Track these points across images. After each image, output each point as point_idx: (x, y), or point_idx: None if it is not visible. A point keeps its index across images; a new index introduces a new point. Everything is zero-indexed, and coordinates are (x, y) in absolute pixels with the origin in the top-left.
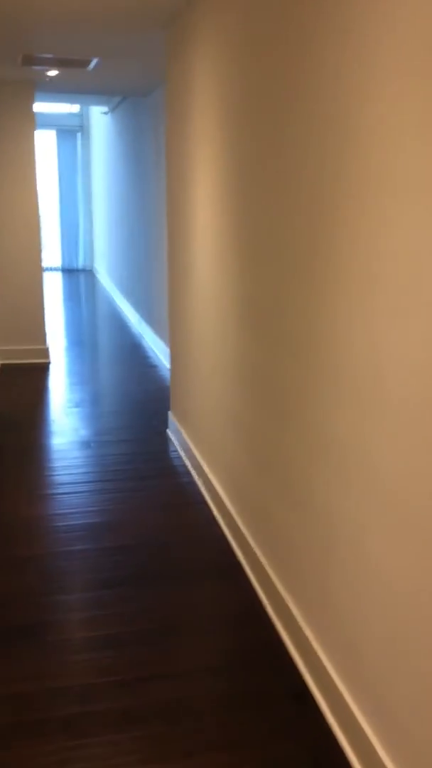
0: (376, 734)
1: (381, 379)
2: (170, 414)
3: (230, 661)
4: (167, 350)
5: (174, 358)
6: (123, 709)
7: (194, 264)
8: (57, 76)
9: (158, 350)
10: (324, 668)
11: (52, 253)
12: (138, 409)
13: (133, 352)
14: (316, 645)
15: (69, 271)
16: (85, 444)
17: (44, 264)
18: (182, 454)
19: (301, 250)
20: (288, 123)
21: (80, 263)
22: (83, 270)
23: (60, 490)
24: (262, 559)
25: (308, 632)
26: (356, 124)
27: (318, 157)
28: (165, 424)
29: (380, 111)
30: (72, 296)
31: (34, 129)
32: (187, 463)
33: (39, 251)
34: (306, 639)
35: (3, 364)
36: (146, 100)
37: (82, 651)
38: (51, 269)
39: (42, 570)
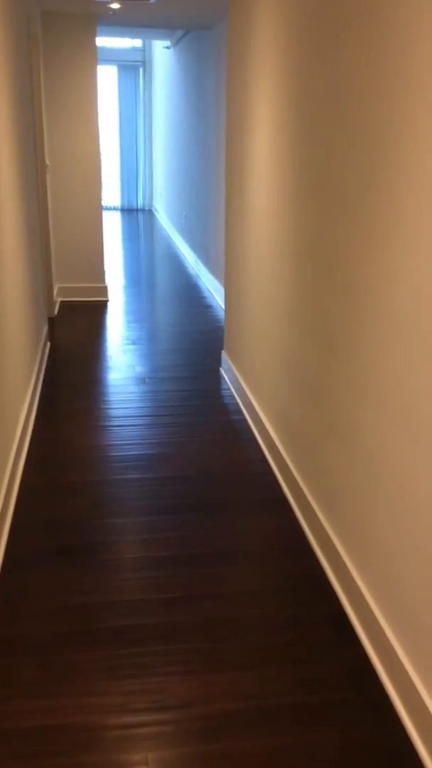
0: (410, 660)
1: (428, 325)
2: (223, 353)
3: (274, 587)
4: (223, 290)
5: (228, 297)
6: (171, 625)
7: (251, 204)
8: (120, 9)
9: (214, 290)
10: (363, 597)
11: (111, 193)
12: (193, 347)
13: (190, 291)
14: (356, 575)
15: (128, 211)
16: (141, 380)
17: (104, 203)
18: (234, 392)
19: (356, 192)
20: (349, 57)
21: (139, 203)
22: (142, 209)
23: (115, 423)
24: (308, 494)
25: (349, 563)
26: (415, 52)
27: (376, 91)
28: (218, 362)
29: None
30: (131, 236)
31: (95, 64)
32: (239, 401)
33: (99, 189)
34: (347, 570)
35: (63, 302)
36: (209, 34)
37: (133, 570)
38: (110, 209)
39: (96, 496)
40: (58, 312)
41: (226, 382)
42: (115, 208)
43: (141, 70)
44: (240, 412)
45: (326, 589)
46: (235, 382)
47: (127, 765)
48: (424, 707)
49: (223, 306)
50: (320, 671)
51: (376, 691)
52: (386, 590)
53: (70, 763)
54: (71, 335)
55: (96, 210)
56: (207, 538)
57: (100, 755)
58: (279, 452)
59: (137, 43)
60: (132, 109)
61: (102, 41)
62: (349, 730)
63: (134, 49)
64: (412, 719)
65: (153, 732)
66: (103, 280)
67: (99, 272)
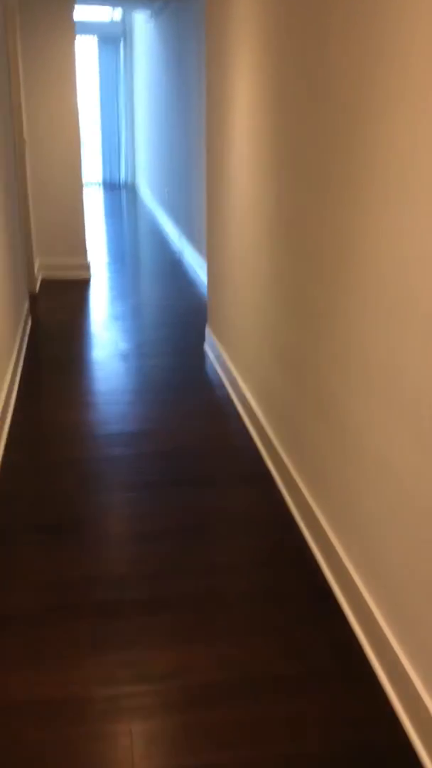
0: (393, 631)
1: (407, 296)
2: (207, 329)
3: (258, 561)
4: (206, 266)
5: (211, 273)
6: (154, 598)
7: (232, 178)
8: None
9: (198, 266)
10: (346, 570)
11: (93, 168)
12: (176, 323)
13: (174, 268)
14: (339, 548)
15: (110, 186)
16: (124, 356)
17: (85, 179)
18: (218, 367)
19: (338, 165)
20: (331, 28)
21: (122, 178)
22: (125, 185)
23: (98, 399)
24: (291, 468)
25: (332, 537)
26: (398, 26)
27: (358, 62)
28: (202, 338)
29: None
30: (113, 212)
31: (74, 38)
32: (223, 376)
33: (79, 165)
34: (329, 542)
35: (45, 279)
36: (191, 5)
37: (117, 545)
38: (92, 184)
39: (79, 472)
40: (40, 288)
41: (209, 357)
42: (97, 184)
43: (121, 43)
44: (224, 387)
45: (310, 562)
46: (219, 357)
47: (112, 736)
48: (407, 677)
49: (206, 281)
50: (303, 643)
51: (359, 663)
52: (369, 563)
53: (53, 736)
54: (53, 312)
55: (77, 185)
56: (191, 513)
57: (84, 727)
58: (262, 427)
59: (117, 15)
60: (113, 83)
61: (81, 13)
62: (332, 701)
63: (114, 23)
64: (395, 689)
65: (136, 703)
66: (85, 256)
67: (81, 248)
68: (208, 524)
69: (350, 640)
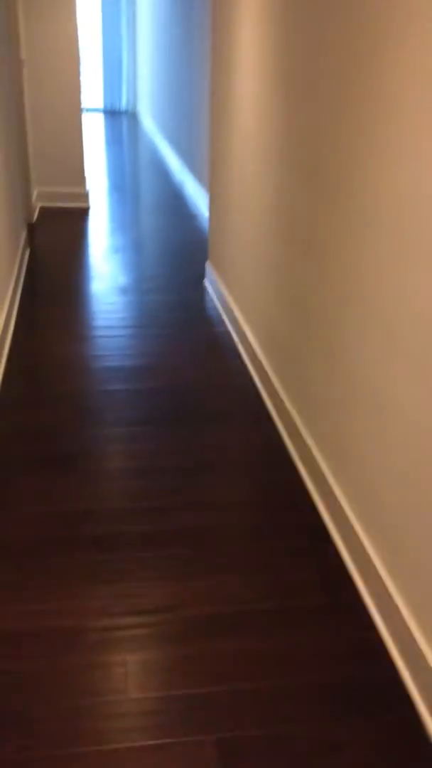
0: (385, 566)
1: (422, 222)
2: (208, 263)
3: (253, 497)
4: (208, 199)
5: (213, 205)
6: (150, 532)
7: (237, 104)
8: None
9: (199, 199)
10: (340, 506)
11: (94, 94)
12: (176, 257)
13: (175, 199)
14: (334, 485)
15: (111, 113)
16: (123, 290)
17: (85, 104)
18: (218, 303)
19: (347, 94)
20: None
21: (123, 105)
22: (126, 112)
23: (97, 333)
24: (289, 406)
25: (327, 474)
26: None
27: None
28: (202, 273)
29: None
30: (114, 140)
31: None
32: (222, 312)
33: (78, 90)
34: (325, 480)
35: (42, 208)
36: None
37: (114, 479)
38: (93, 110)
39: (78, 406)
40: (38, 218)
41: (209, 293)
42: (97, 110)
43: None
44: (223, 323)
45: (304, 498)
46: (219, 293)
47: (106, 666)
48: (397, 611)
49: (207, 215)
50: (297, 578)
51: (350, 597)
52: (363, 500)
53: (49, 664)
54: (52, 242)
55: (75, 110)
56: (187, 449)
57: (80, 657)
58: (261, 364)
59: None
60: (115, 6)
61: None
62: (324, 634)
63: None
64: (386, 623)
65: (132, 635)
66: (83, 185)
67: (79, 177)
68: (204, 461)
69: (343, 575)
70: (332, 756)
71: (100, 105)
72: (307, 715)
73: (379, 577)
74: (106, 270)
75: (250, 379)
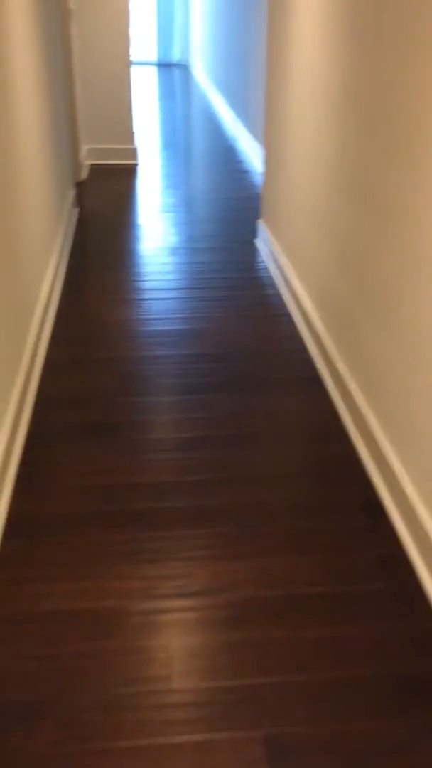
0: None
1: None
2: (260, 222)
3: (305, 471)
4: (262, 153)
5: (268, 161)
6: (196, 508)
7: (295, 54)
8: None
9: (253, 154)
10: (400, 484)
11: (146, 46)
12: (227, 216)
13: (227, 155)
14: (393, 460)
15: (164, 66)
16: (172, 251)
17: (135, 58)
18: (270, 264)
19: (417, 29)
20: None
21: (176, 57)
22: (179, 64)
23: (144, 296)
24: (345, 375)
25: (387, 448)
26: None
27: None
28: (254, 232)
29: None
30: (165, 94)
31: None
32: (275, 274)
33: (127, 43)
34: (383, 454)
35: (92, 165)
36: None
37: (159, 451)
38: (144, 63)
39: (123, 372)
40: (87, 176)
41: (261, 254)
42: (150, 63)
43: None
44: (275, 286)
45: (360, 474)
46: (272, 254)
47: (149, 651)
48: None
49: (261, 171)
50: (351, 560)
51: (409, 582)
52: (429, 479)
53: (90, 648)
54: (100, 201)
55: (124, 66)
56: (236, 419)
57: (121, 641)
58: (316, 329)
59: None
60: None
61: None
62: (381, 622)
63: None
64: None
65: (175, 619)
66: (132, 141)
67: (128, 133)
68: (254, 432)
69: (401, 557)
70: (392, 758)
71: (154, 58)
72: (363, 712)
73: None
74: (155, 229)
75: (303, 344)
